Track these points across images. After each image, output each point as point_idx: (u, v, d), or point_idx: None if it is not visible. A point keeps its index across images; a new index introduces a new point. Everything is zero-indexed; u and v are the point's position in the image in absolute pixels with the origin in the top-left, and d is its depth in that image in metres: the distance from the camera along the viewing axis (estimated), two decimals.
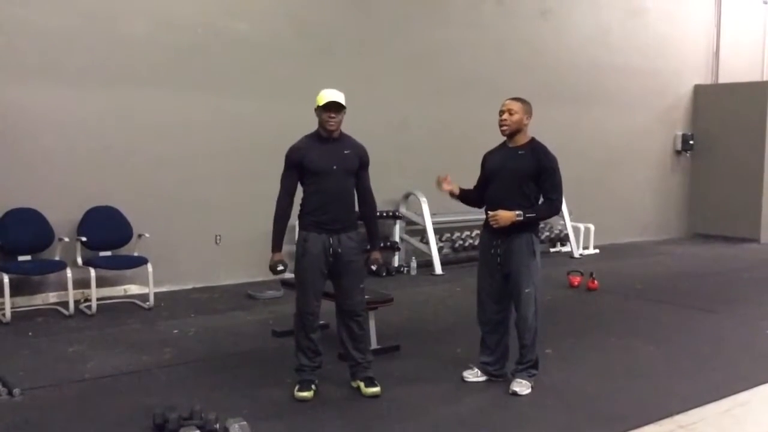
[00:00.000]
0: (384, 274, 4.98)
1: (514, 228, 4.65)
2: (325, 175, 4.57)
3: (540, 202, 4.76)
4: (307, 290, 4.66)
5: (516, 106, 4.73)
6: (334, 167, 4.58)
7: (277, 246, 4.73)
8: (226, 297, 7.62)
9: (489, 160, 4.92)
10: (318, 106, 4.59)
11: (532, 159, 4.70)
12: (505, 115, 4.71)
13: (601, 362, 5.48)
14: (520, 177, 4.70)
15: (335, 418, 4.31)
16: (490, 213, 4.70)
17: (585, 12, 11.55)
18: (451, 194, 4.97)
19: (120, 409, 4.36)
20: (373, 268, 4.79)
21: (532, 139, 4.81)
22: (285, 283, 6.35)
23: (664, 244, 12.39)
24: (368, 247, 4.93)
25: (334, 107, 4.55)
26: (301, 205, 4.71)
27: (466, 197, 5.01)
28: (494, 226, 4.66)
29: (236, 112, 8.17)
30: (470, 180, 5.06)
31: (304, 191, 4.68)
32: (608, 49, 11.82)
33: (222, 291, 7.89)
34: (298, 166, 4.62)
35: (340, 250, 4.61)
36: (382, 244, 7.94)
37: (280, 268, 4.70)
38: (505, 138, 4.84)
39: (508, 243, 4.72)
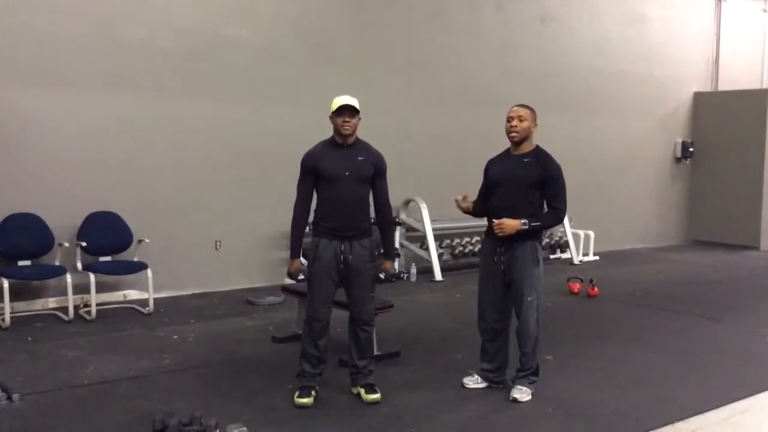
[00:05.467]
0: (393, 280, 4.94)
1: (518, 236, 4.63)
2: (338, 181, 4.56)
3: (544, 211, 4.75)
4: (316, 297, 4.65)
5: (526, 113, 4.72)
6: (347, 173, 4.56)
7: (295, 253, 4.73)
8: (225, 303, 7.61)
9: (493, 168, 4.89)
10: (332, 113, 4.59)
11: (537, 167, 4.68)
12: (515, 122, 4.69)
13: (602, 369, 5.48)
14: (525, 185, 4.68)
15: (335, 425, 4.31)
16: (495, 221, 4.65)
17: (585, 19, 11.57)
18: (464, 211, 4.91)
19: (120, 414, 4.35)
20: (381, 276, 4.75)
21: (537, 147, 4.80)
22: (285, 290, 6.34)
23: (664, 251, 12.39)
24: (381, 251, 4.86)
25: (347, 111, 4.55)
26: (314, 210, 4.71)
27: (474, 211, 4.94)
28: (499, 234, 4.64)
29: (237, 118, 8.17)
30: (470, 186, 5.05)
31: (318, 197, 4.68)
32: (608, 56, 11.84)
33: (222, 297, 7.88)
34: (313, 171, 4.62)
35: (351, 258, 4.59)
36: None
37: (301, 277, 4.72)
38: (509, 145, 4.82)
39: (512, 251, 4.71)
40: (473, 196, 5.00)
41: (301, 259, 5.05)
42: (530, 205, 4.68)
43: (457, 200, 4.89)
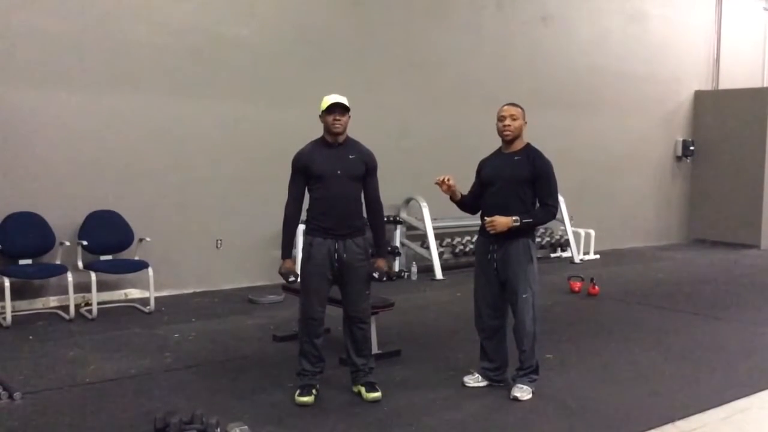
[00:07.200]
0: (384, 279, 4.93)
1: (511, 233, 4.65)
2: (329, 180, 4.57)
3: (536, 208, 4.77)
4: (311, 295, 4.65)
5: (517, 111, 4.76)
6: (338, 172, 4.57)
7: (287, 253, 4.74)
8: (226, 301, 7.62)
9: (485, 167, 4.91)
10: (322, 111, 4.60)
11: (528, 164, 4.71)
12: (508, 121, 4.72)
13: (602, 368, 5.48)
14: (517, 183, 4.71)
15: (336, 423, 4.31)
16: (487, 219, 4.69)
17: (585, 18, 11.57)
18: (451, 198, 4.95)
19: (121, 413, 4.36)
20: (375, 275, 4.76)
21: (528, 145, 4.83)
22: (286, 288, 6.34)
23: (665, 249, 12.39)
24: (374, 252, 4.86)
25: (338, 109, 4.55)
26: (307, 210, 4.72)
27: (462, 202, 4.99)
28: (491, 232, 4.67)
29: (237, 117, 8.18)
30: (470, 185, 5.06)
31: (310, 196, 4.69)
32: (609, 55, 11.85)
33: (223, 295, 7.89)
34: (304, 171, 4.63)
35: (345, 256, 4.60)
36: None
37: (291, 279, 4.72)
38: (501, 144, 4.86)
39: (505, 249, 4.72)
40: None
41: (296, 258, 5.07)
42: (522, 202, 4.70)
43: (438, 182, 4.78)
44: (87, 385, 4.88)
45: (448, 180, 4.78)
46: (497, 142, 4.90)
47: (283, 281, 4.90)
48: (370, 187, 4.76)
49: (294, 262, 4.87)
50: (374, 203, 4.80)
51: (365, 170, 4.69)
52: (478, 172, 4.97)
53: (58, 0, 7.07)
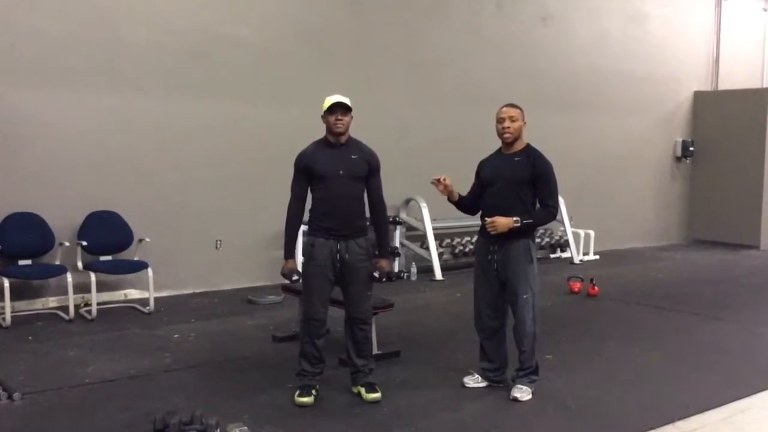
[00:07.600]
0: (384, 279, 4.93)
1: (511, 234, 4.65)
2: (332, 180, 4.57)
3: (536, 208, 4.77)
4: (312, 296, 4.65)
5: (516, 112, 4.75)
6: (341, 172, 4.57)
7: (289, 253, 4.74)
8: (226, 302, 7.62)
9: (485, 168, 4.92)
10: (324, 112, 4.59)
11: (528, 165, 4.71)
12: (507, 123, 4.72)
13: (602, 368, 5.48)
14: (517, 183, 4.71)
15: (336, 424, 4.31)
16: (488, 220, 4.69)
17: (585, 18, 11.57)
18: (449, 199, 4.94)
19: (120, 413, 4.36)
20: (376, 275, 4.75)
21: (528, 145, 4.83)
22: (286, 289, 6.34)
23: (665, 250, 12.39)
24: (376, 253, 4.85)
25: (340, 109, 4.55)
26: (309, 210, 4.72)
27: (460, 203, 4.99)
28: (492, 232, 4.66)
29: (237, 117, 8.18)
30: (470, 185, 5.06)
31: (312, 197, 4.69)
32: (608, 56, 11.84)
33: (222, 296, 7.89)
34: (306, 171, 4.63)
35: (347, 257, 4.60)
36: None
37: (295, 278, 4.71)
38: (501, 145, 4.85)
39: (505, 249, 4.72)
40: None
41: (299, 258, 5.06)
42: (522, 203, 4.70)
43: (435, 181, 4.82)
44: (86, 386, 4.88)
45: (444, 180, 4.78)
46: (497, 143, 4.90)
47: (283, 281, 4.90)
48: (373, 187, 4.75)
49: (296, 262, 4.87)
50: (378, 203, 4.80)
51: (368, 170, 4.68)
52: (478, 173, 4.97)
53: (58, 0, 7.07)
